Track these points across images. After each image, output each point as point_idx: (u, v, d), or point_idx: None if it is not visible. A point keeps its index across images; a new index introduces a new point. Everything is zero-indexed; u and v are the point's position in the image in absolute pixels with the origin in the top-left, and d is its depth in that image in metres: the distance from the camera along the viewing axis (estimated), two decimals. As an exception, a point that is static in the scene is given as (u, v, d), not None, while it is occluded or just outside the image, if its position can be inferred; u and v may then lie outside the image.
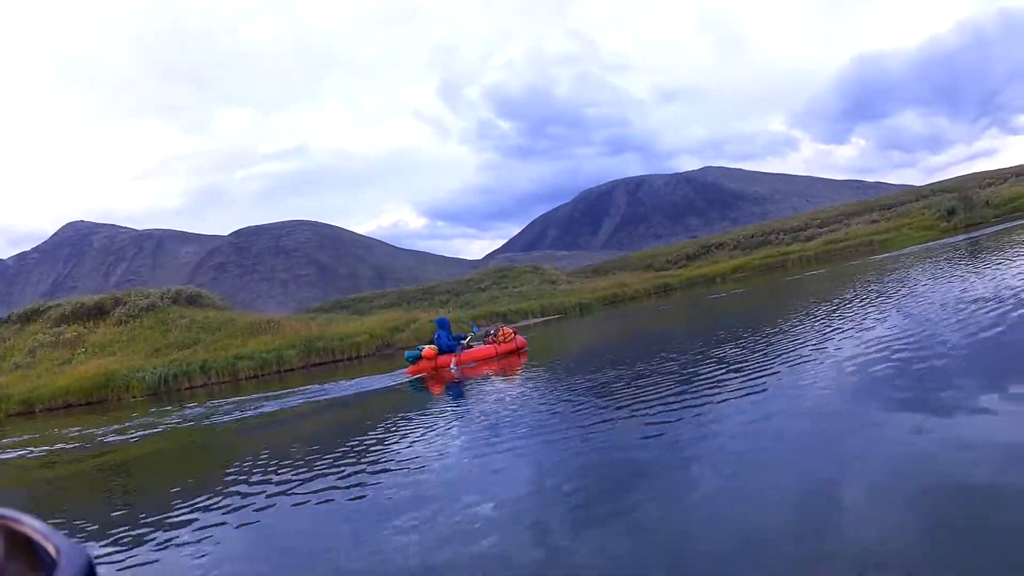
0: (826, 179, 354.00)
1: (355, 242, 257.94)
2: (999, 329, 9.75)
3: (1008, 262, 19.61)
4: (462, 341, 22.50)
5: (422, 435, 10.84)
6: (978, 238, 37.19)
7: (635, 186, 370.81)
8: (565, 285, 72.99)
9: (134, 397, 32.19)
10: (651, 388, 10.82)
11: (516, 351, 22.16)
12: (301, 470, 9.42)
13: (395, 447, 10.15)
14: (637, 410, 9.41)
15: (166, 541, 7.07)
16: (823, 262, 56.25)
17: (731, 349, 13.66)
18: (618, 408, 9.87)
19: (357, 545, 6.10)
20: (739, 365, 11.48)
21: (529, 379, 16.71)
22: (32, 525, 0.66)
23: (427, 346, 21.80)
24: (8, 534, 0.66)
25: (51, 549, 0.64)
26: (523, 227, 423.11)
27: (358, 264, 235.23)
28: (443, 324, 23.05)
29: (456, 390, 17.05)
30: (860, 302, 17.48)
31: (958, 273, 19.97)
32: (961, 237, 44.08)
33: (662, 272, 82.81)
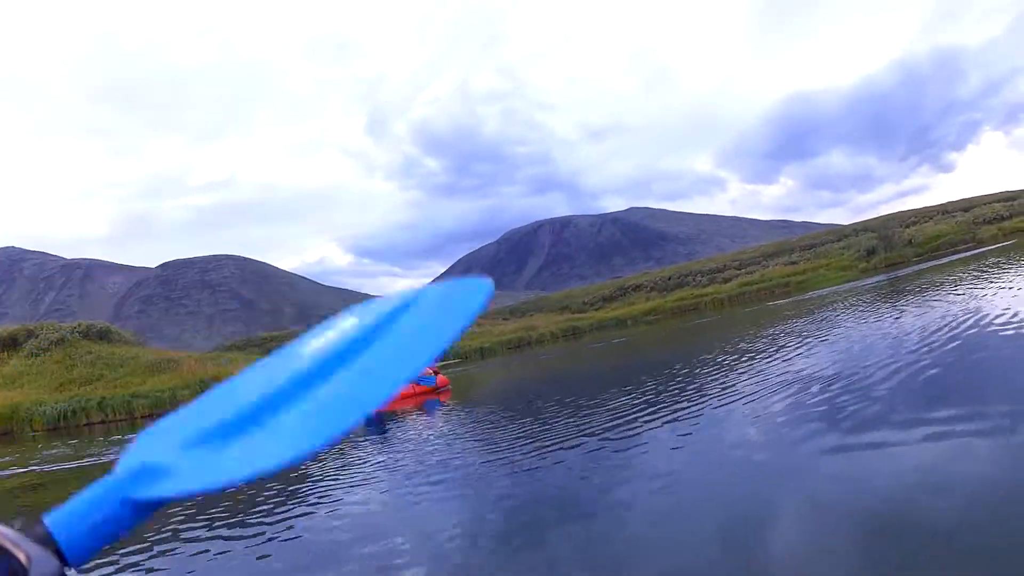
0: (752, 219, 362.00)
1: (279, 278, 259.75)
2: (904, 364, 10.19)
3: (917, 301, 20.36)
4: None
5: (345, 474, 10.57)
6: (896, 278, 36.68)
7: (560, 226, 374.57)
8: (474, 328, 68.12)
9: (34, 431, 32.44)
10: (567, 425, 11.01)
11: (436, 389, 22.61)
12: (212, 513, 8.88)
13: (317, 486, 9.79)
14: (556, 447, 9.47)
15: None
16: (737, 304, 55.81)
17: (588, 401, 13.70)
18: (540, 442, 9.99)
19: None
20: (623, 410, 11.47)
21: (449, 416, 17.00)
22: (2, 532, 0.65)
23: None
24: None
25: (22, 557, 0.64)
26: (448, 266, 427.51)
27: (281, 300, 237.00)
28: None
29: (377, 427, 16.48)
30: (743, 348, 17.95)
31: (865, 313, 20.88)
32: (880, 277, 43.18)
33: (576, 314, 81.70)
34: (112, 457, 16.43)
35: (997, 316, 12.94)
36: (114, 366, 41.00)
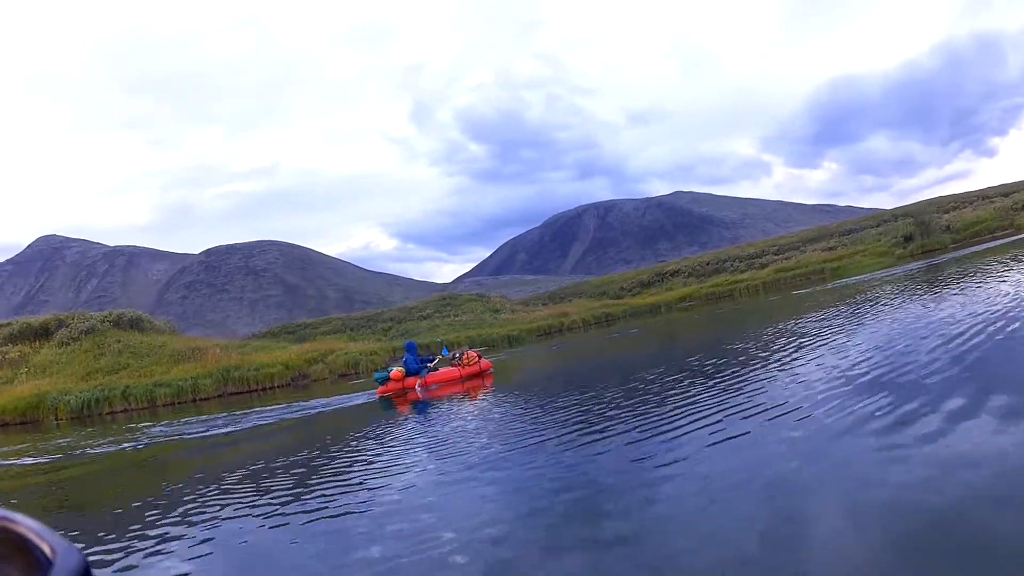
0: (796, 203, 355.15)
1: (323, 263, 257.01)
2: (941, 356, 10.01)
3: (952, 290, 19.85)
4: (429, 364, 23.46)
5: (389, 455, 10.96)
6: (932, 265, 36.07)
7: (604, 210, 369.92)
8: (507, 314, 70.69)
9: (59, 419, 32.82)
10: (610, 411, 11.13)
11: (480, 374, 23.03)
12: (267, 490, 9.47)
13: (361, 468, 10.19)
14: (599, 433, 9.53)
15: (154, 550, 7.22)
16: (771, 291, 54.66)
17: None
18: (578, 431, 9.99)
19: (325, 566, 6.14)
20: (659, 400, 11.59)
21: (491, 401, 17.08)
22: (27, 524, 0.66)
23: (395, 368, 23.11)
24: (3, 534, 0.66)
25: (47, 549, 0.64)
26: (492, 251, 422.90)
27: (326, 286, 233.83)
28: (410, 348, 23.98)
29: (422, 410, 17.53)
30: (763, 340, 17.90)
31: (898, 302, 20.58)
32: (916, 264, 42.33)
33: (613, 300, 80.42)
34: (117, 447, 18.60)
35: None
36: (140, 355, 41.77)
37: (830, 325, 17.70)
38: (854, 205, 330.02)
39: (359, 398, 22.97)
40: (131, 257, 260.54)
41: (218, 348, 44.78)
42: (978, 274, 22.38)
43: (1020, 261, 23.67)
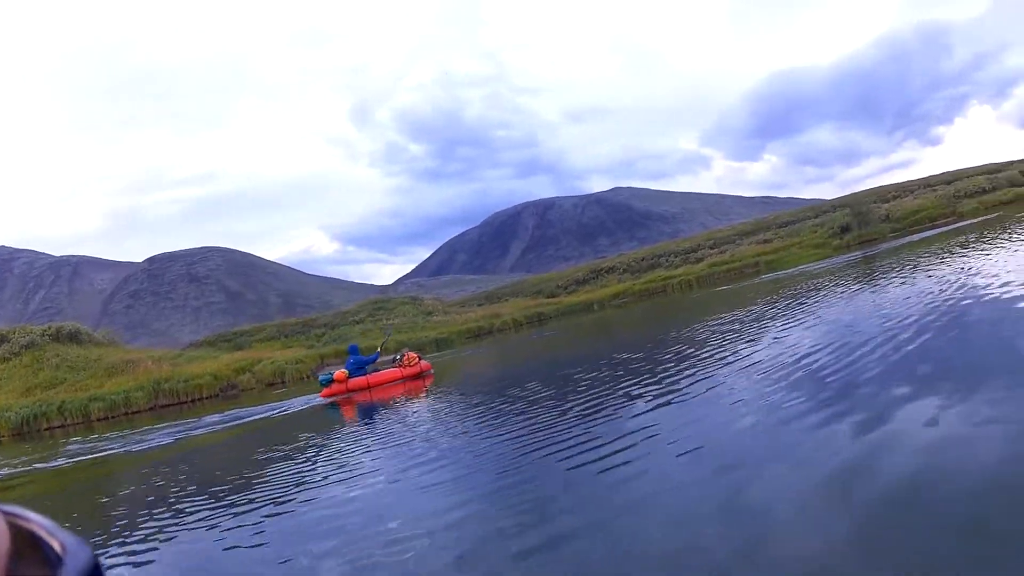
0: (737, 196, 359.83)
1: (265, 268, 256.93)
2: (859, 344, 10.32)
3: (882, 279, 20.50)
4: (373, 361, 24.26)
5: (336, 457, 11.08)
6: (868, 256, 36.33)
7: (544, 208, 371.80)
8: (440, 316, 69.99)
9: (0, 436, 33.16)
10: (546, 407, 11.19)
11: (420, 374, 23.61)
12: (213, 496, 9.57)
13: (310, 470, 10.33)
14: (539, 428, 9.55)
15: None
16: (705, 285, 54.29)
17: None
18: (520, 427, 10.02)
19: (275, 568, 6.17)
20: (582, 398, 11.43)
21: (432, 400, 17.31)
22: (38, 521, 0.67)
23: (338, 370, 23.45)
24: (15, 530, 0.65)
25: (57, 545, 0.65)
26: (433, 251, 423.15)
27: (267, 291, 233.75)
28: (353, 350, 24.65)
29: (366, 413, 17.72)
30: (668, 340, 17.90)
31: (827, 292, 20.88)
32: (853, 255, 42.13)
33: (548, 299, 79.93)
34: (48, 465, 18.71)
35: (965, 290, 13.04)
36: (77, 369, 42.05)
37: (749, 320, 18.05)
38: (795, 196, 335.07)
39: (297, 404, 23.05)
40: (76, 267, 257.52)
41: (150, 360, 44.73)
42: (908, 264, 22.73)
43: (951, 251, 23.59)
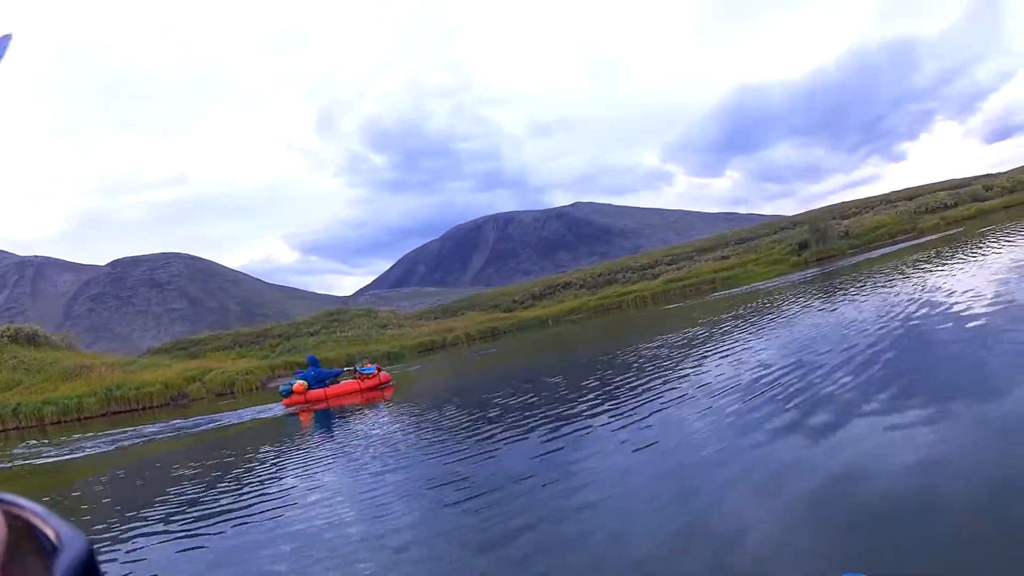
0: (698, 212, 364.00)
1: (225, 276, 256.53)
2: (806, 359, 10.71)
3: (839, 295, 20.58)
4: (335, 376, 24.67)
5: (295, 465, 11.17)
6: (825, 273, 36.27)
7: (505, 222, 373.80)
8: (394, 329, 69.01)
9: None
10: (504, 420, 11.34)
11: (380, 386, 23.73)
12: (173, 502, 9.59)
13: (269, 478, 10.38)
14: (494, 439, 9.82)
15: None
16: (660, 302, 53.57)
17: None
18: (478, 438, 10.29)
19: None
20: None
21: (390, 411, 17.30)
22: (33, 509, 0.67)
23: (297, 381, 23.77)
24: (9, 518, 0.65)
25: (51, 533, 0.65)
26: (393, 263, 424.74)
27: (227, 299, 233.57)
28: (313, 362, 25.17)
29: (326, 423, 17.82)
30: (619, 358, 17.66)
31: (783, 309, 20.84)
32: (810, 271, 41.89)
33: (504, 313, 78.96)
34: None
35: (913, 307, 13.31)
36: (33, 371, 41.98)
37: (692, 340, 17.86)
38: (757, 212, 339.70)
39: (257, 414, 23.13)
40: (40, 268, 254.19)
41: (104, 366, 44.18)
42: (861, 282, 22.88)
43: (905, 268, 23.70)
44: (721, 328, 19.06)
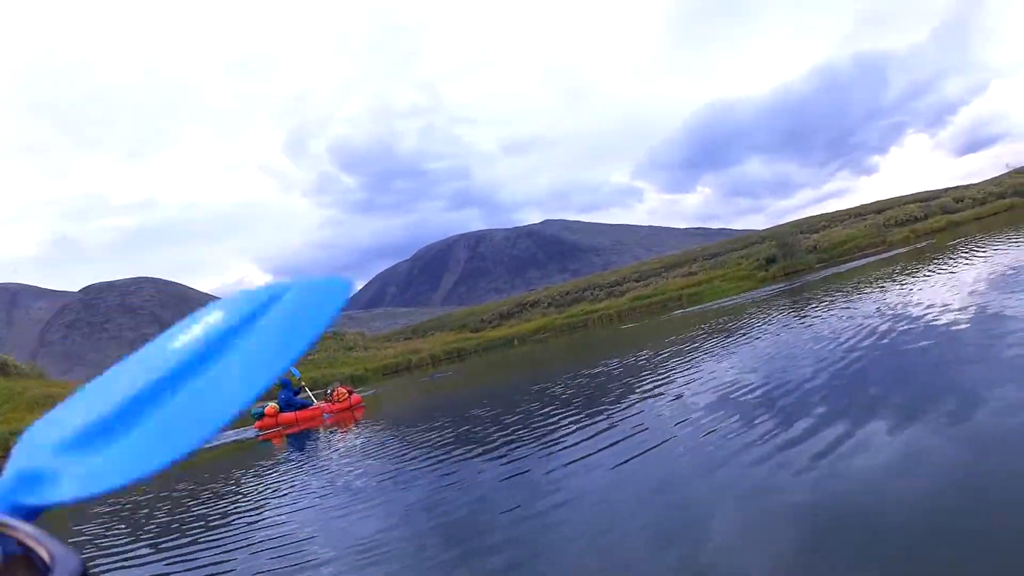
0: (669, 228, 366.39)
1: (198, 300, 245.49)
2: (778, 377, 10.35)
3: (802, 310, 20.54)
4: (300, 397, 25.37)
5: (268, 492, 11.01)
6: (792, 288, 35.42)
7: (476, 240, 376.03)
8: (360, 352, 69.86)
9: None
10: (483, 442, 11.04)
11: (351, 408, 23.77)
12: (141, 528, 9.70)
13: (240, 505, 10.28)
14: (472, 464, 9.59)
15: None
16: (627, 319, 53.20)
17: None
18: (454, 461, 10.07)
19: None
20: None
21: (363, 435, 17.04)
22: (24, 530, 0.66)
23: (270, 404, 24.13)
24: (2, 540, 0.66)
25: (44, 554, 0.64)
26: (365, 284, 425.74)
27: None
28: (285, 384, 24.60)
29: (297, 446, 17.79)
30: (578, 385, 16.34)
31: (747, 325, 20.43)
32: (777, 286, 41.13)
33: (473, 333, 79.06)
34: None
35: (881, 320, 13.19)
36: (1, 401, 41.35)
37: (652, 359, 17.46)
38: (727, 228, 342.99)
39: (230, 437, 23.39)
40: (14, 295, 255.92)
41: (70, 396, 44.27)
42: (828, 295, 22.74)
43: (872, 281, 23.58)
44: (679, 348, 18.56)
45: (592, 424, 10.07)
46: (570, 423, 10.69)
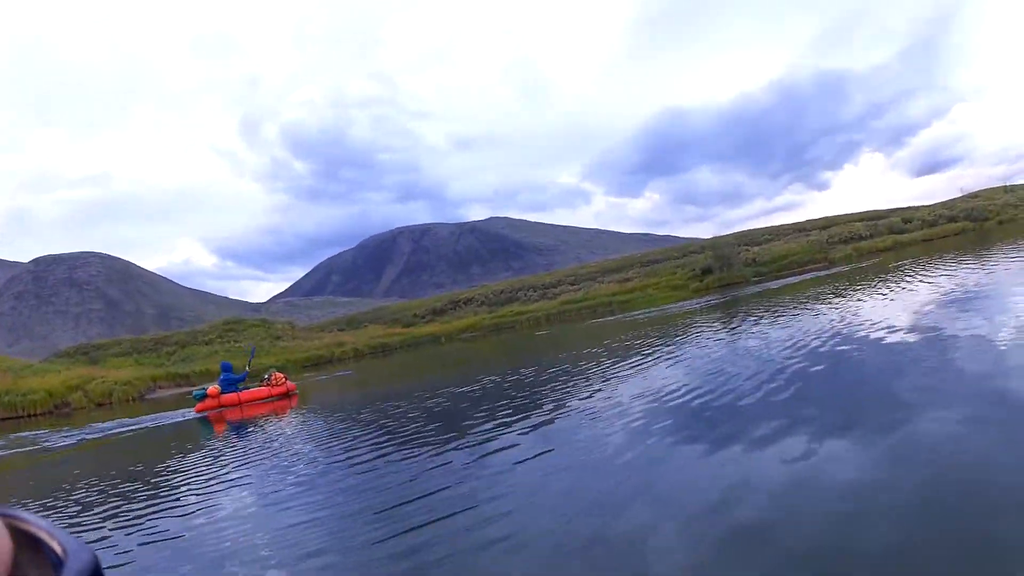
0: (614, 232, 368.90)
1: (143, 278, 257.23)
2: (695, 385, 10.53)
3: (726, 324, 20.58)
4: (242, 381, 24.92)
5: (206, 476, 10.69)
6: (725, 300, 35.01)
7: (420, 234, 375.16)
8: (288, 342, 67.07)
9: None
10: (412, 432, 11.19)
11: (287, 394, 24.21)
12: (86, 508, 9.41)
13: (177, 488, 9.99)
14: (404, 450, 9.74)
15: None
16: (556, 322, 53.22)
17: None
18: (388, 448, 10.17)
19: None
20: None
21: (295, 417, 17.60)
22: (39, 524, 0.66)
23: (211, 386, 24.25)
24: (16, 533, 0.65)
25: (57, 548, 0.65)
26: (308, 271, 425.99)
27: (144, 302, 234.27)
28: (226, 367, 24.97)
29: (237, 430, 17.39)
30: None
31: (667, 336, 20.21)
32: (710, 298, 40.53)
33: (404, 328, 77.12)
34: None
35: (809, 337, 13.21)
36: None
37: (572, 366, 17.19)
38: (673, 235, 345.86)
39: (173, 417, 23.34)
40: None
41: None
42: (759, 310, 22.68)
43: (807, 298, 23.54)
44: (604, 355, 18.20)
45: (460, 450, 9.43)
46: (446, 440, 10.33)
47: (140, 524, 7.82)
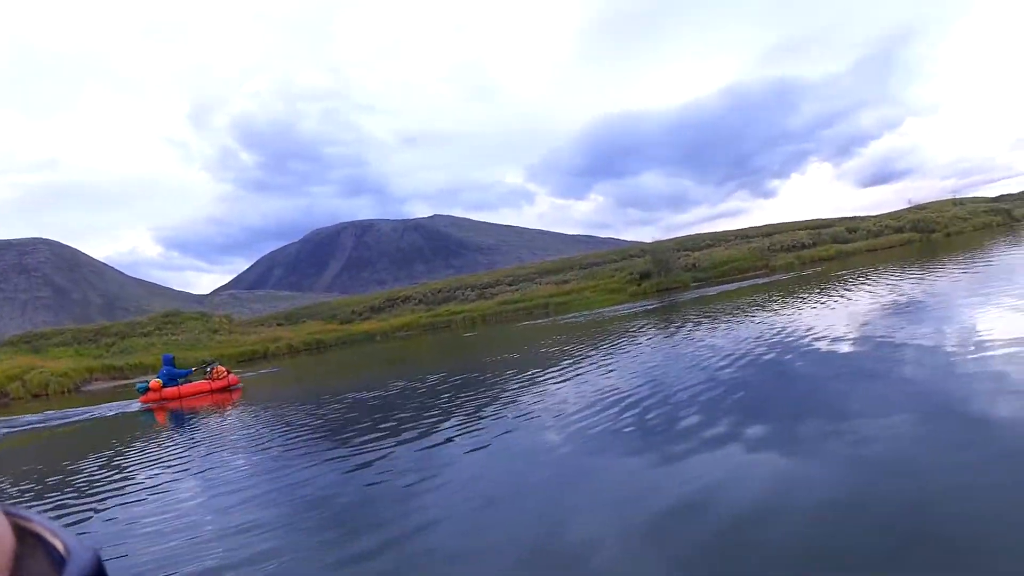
0: (557, 233, 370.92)
1: (89, 266, 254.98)
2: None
3: (660, 329, 20.30)
4: (186, 375, 25.36)
5: (146, 464, 10.92)
6: (663, 305, 34.81)
7: (363, 229, 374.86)
8: (225, 335, 67.50)
9: None
10: (354, 426, 11.34)
11: (228, 388, 24.41)
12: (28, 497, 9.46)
13: (118, 481, 9.84)
14: (345, 444, 9.74)
15: None
16: (492, 323, 53.23)
17: None
18: (330, 442, 10.27)
19: None
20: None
21: (237, 411, 17.47)
22: (41, 522, 0.66)
23: (154, 379, 24.58)
24: (18, 532, 0.65)
25: (60, 546, 0.65)
26: (252, 263, 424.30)
27: (90, 290, 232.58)
28: (168, 360, 25.34)
29: (179, 422, 17.46)
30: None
31: (595, 340, 19.95)
32: (647, 302, 40.78)
33: (342, 324, 77.62)
34: None
35: (746, 343, 13.26)
36: None
37: (511, 367, 17.07)
38: (616, 237, 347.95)
39: (114, 409, 23.37)
40: None
41: None
42: (694, 315, 22.82)
43: (743, 305, 23.59)
44: (539, 357, 18.28)
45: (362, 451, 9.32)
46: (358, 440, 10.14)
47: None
